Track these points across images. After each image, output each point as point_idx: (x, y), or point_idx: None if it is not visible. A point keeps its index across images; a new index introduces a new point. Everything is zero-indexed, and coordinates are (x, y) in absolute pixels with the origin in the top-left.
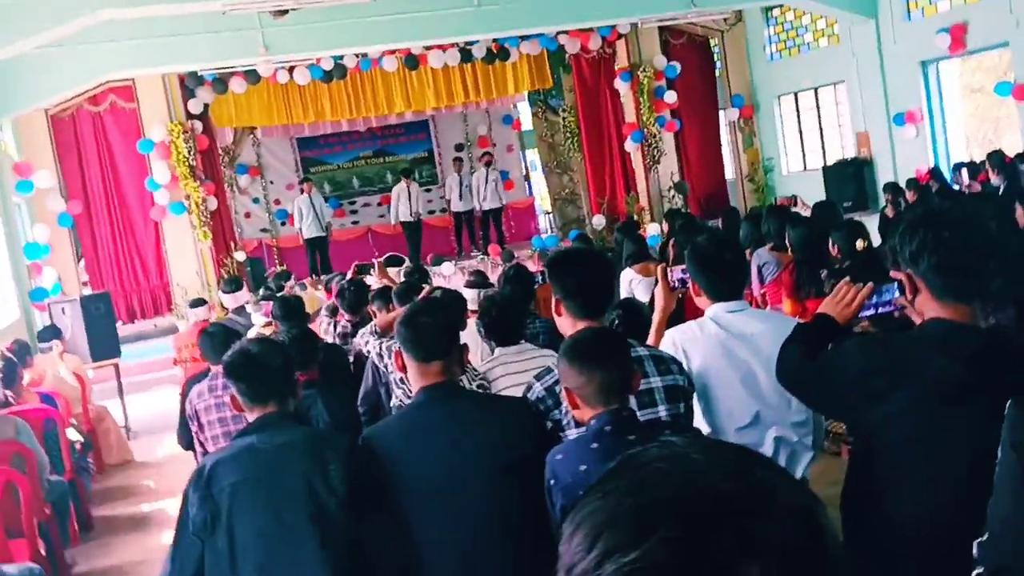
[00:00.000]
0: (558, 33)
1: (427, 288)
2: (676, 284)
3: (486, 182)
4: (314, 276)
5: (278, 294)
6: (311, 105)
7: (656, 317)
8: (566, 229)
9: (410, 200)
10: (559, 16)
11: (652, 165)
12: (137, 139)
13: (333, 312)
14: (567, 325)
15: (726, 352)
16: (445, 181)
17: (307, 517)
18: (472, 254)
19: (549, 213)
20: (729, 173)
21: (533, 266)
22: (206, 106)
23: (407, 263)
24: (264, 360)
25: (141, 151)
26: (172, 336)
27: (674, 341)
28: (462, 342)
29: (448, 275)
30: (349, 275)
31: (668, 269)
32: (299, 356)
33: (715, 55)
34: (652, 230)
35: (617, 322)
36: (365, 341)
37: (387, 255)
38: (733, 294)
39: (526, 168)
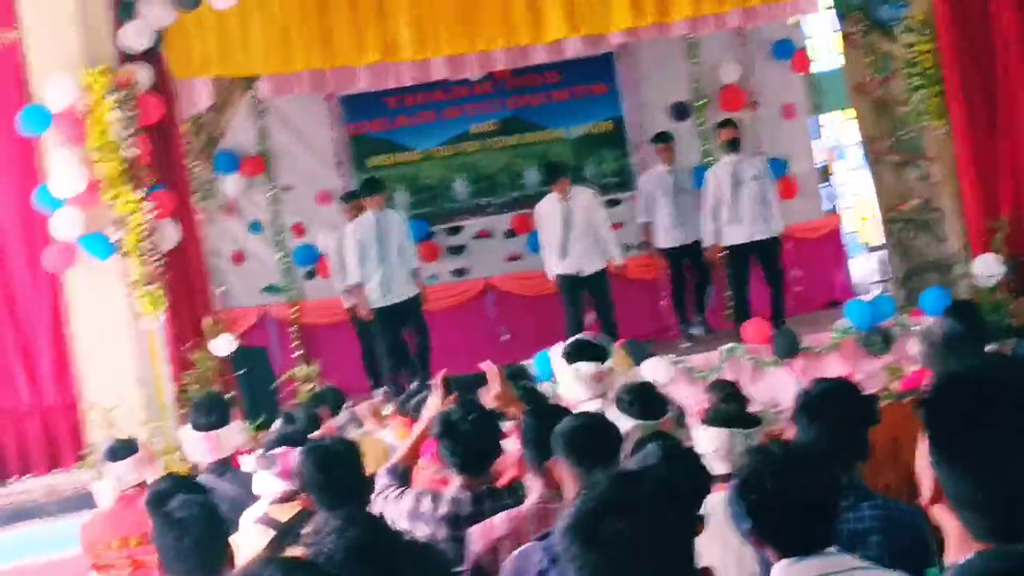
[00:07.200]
0: None
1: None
2: None
3: (734, 184)
4: (380, 391)
5: (309, 435)
6: (372, 29)
7: None
8: (914, 285)
9: (569, 233)
10: None
11: None
12: (19, 105)
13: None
14: None
15: None
16: (639, 182)
17: None
18: (694, 331)
19: (875, 249)
20: None
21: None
22: (158, 37)
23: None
24: None
25: (26, 128)
26: (84, 520)
27: None
28: None
29: (662, 382)
30: (437, 392)
31: None
32: None
33: None
34: None
35: None
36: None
37: (573, 338)
38: None
39: (827, 154)
